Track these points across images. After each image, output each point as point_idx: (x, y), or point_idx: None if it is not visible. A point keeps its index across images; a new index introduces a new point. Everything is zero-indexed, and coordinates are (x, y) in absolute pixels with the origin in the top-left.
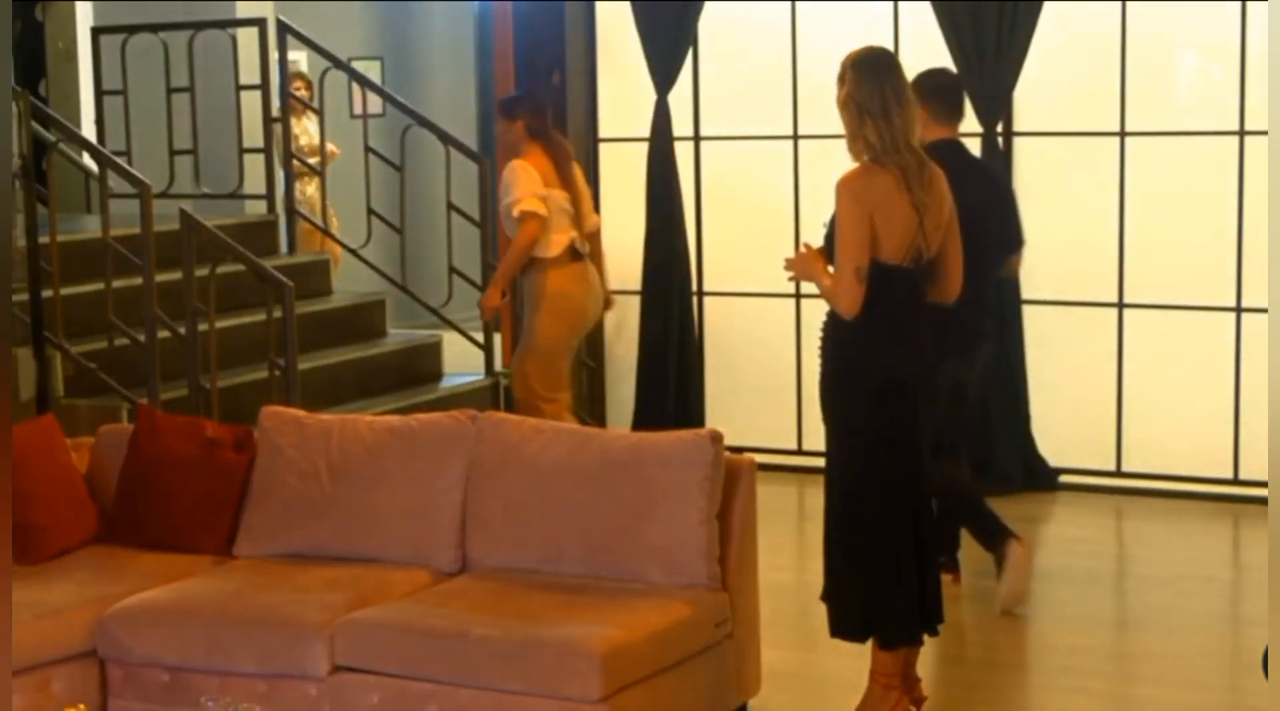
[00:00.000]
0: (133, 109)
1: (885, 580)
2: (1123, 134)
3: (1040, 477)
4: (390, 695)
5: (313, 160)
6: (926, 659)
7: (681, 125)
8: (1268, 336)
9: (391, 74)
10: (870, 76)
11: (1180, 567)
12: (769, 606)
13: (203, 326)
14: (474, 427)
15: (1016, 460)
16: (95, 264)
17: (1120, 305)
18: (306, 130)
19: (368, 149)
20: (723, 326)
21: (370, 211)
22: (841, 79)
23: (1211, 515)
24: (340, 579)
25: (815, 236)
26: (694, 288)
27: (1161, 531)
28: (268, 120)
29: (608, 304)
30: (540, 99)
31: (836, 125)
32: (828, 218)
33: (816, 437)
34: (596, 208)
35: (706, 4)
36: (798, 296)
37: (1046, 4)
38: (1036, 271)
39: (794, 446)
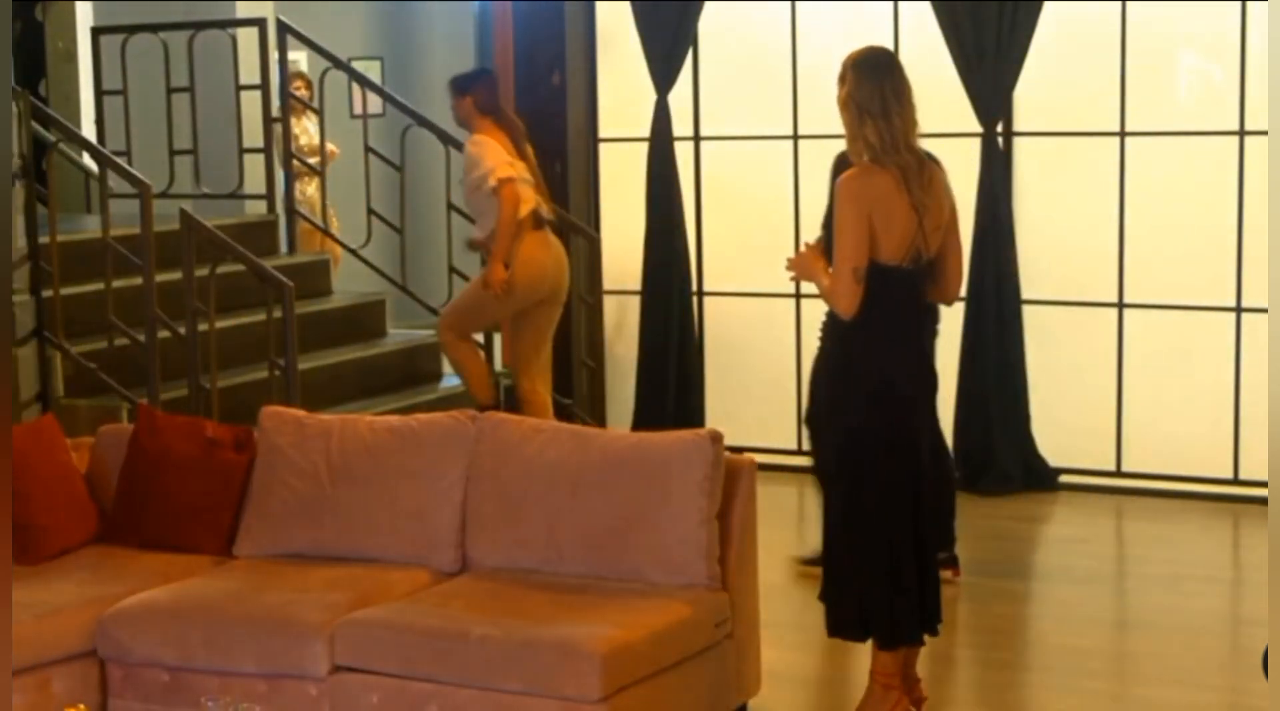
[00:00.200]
0: (133, 109)
1: (884, 580)
2: (1123, 134)
3: (1040, 477)
4: (390, 695)
5: (313, 160)
6: (926, 659)
7: (681, 125)
8: (1268, 336)
9: (391, 74)
10: (870, 76)
11: (1180, 567)
12: (769, 606)
13: (203, 326)
14: (474, 427)
15: (1016, 460)
16: (95, 264)
17: (1120, 305)
18: (306, 130)
19: (368, 149)
20: (723, 326)
21: (370, 211)
22: (842, 79)
23: (1211, 515)
24: (340, 579)
25: (815, 236)
26: (694, 288)
27: (1161, 531)
28: (268, 120)
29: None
30: (491, 76)
31: (836, 125)
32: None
33: None
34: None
35: (706, 4)
36: (798, 296)
37: (1046, 4)
38: (1036, 271)
39: (794, 446)
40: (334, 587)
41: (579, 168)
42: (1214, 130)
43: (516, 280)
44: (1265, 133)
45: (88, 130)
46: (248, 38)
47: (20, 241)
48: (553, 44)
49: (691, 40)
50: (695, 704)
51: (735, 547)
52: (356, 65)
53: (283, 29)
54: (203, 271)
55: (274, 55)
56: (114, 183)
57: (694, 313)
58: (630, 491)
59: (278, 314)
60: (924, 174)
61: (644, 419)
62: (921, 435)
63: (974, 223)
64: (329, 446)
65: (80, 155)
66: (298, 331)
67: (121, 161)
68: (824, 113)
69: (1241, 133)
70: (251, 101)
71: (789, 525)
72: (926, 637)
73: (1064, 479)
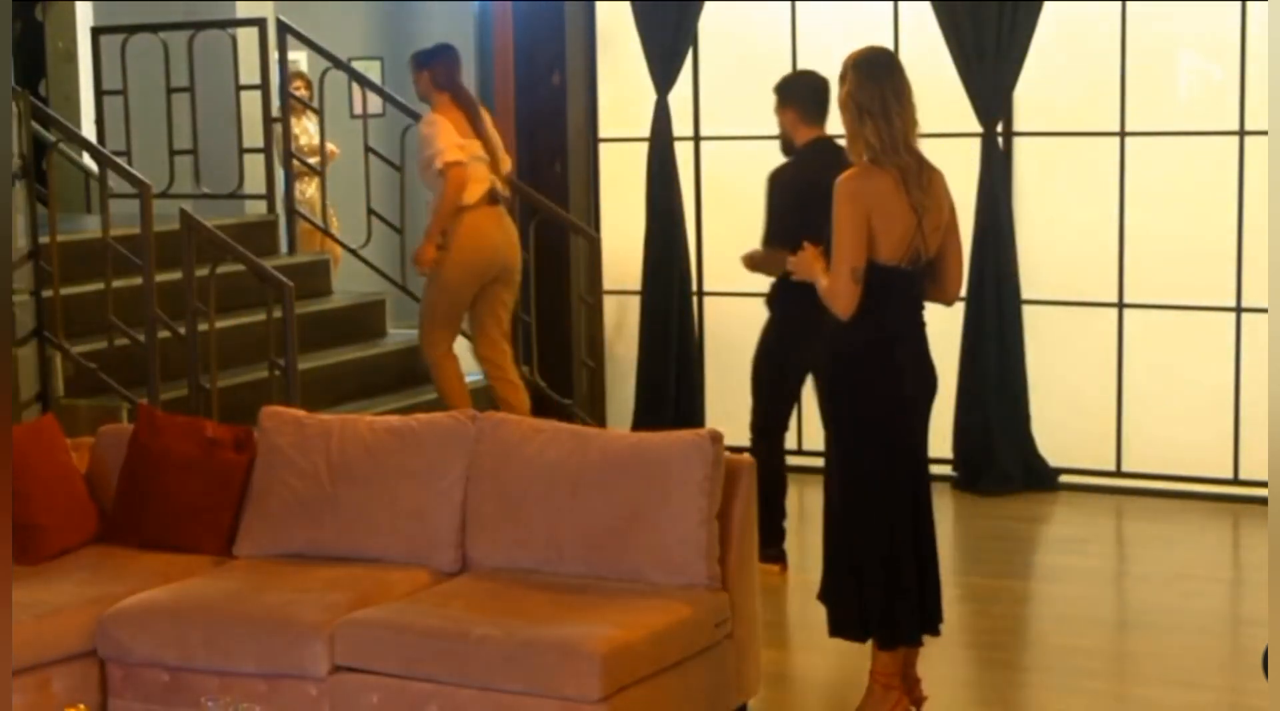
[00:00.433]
0: (133, 109)
1: (884, 580)
2: (1123, 134)
3: (1040, 477)
4: (390, 695)
5: (313, 160)
6: (926, 659)
7: (681, 125)
8: (1268, 336)
9: (391, 74)
10: (871, 77)
11: (1180, 567)
12: (769, 606)
13: (203, 326)
14: (474, 427)
15: (1016, 460)
16: (95, 264)
17: (1120, 305)
18: (306, 130)
19: (368, 149)
20: (723, 326)
21: (370, 211)
22: (843, 79)
23: (1211, 515)
24: (340, 579)
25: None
26: (694, 287)
27: (1161, 531)
28: (268, 120)
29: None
30: (451, 52)
31: (836, 125)
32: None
33: (816, 437)
34: (597, 208)
35: (706, 4)
36: None
37: (1046, 4)
38: (1036, 271)
39: (794, 446)
40: (334, 587)
41: (579, 168)
42: (1214, 130)
43: (469, 258)
44: (1265, 133)
45: (88, 130)
46: (248, 38)
47: (20, 241)
48: (553, 44)
49: (691, 40)
50: (695, 704)
51: (735, 547)
52: (356, 65)
53: (283, 29)
54: (203, 271)
55: (274, 55)
56: (114, 183)
57: (694, 313)
58: (630, 491)
59: (278, 314)
60: (923, 175)
61: (644, 419)
62: (921, 435)
63: (974, 223)
64: (329, 446)
65: (80, 155)
66: (298, 331)
67: (121, 161)
68: None
69: (1241, 133)
70: (251, 101)
71: (789, 525)
72: (927, 637)
73: (1064, 479)
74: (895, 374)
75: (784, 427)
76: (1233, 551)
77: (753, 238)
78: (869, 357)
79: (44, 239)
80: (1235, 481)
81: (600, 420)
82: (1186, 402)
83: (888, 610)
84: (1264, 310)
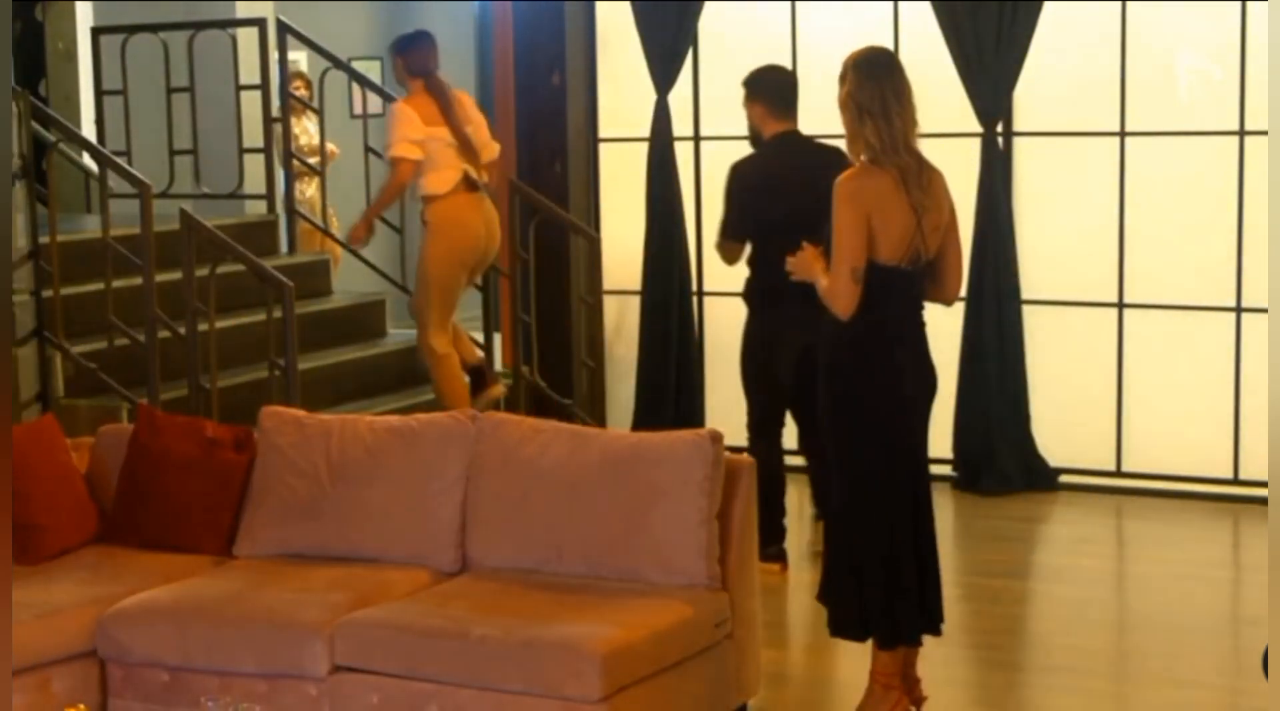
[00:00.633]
0: (133, 109)
1: (884, 580)
2: (1123, 134)
3: (1040, 477)
4: (390, 695)
5: (313, 160)
6: (926, 659)
7: (681, 125)
8: (1268, 336)
9: (391, 74)
10: (871, 77)
11: (1180, 567)
12: (769, 606)
13: (203, 326)
14: (474, 427)
15: (1016, 460)
16: (95, 264)
17: (1120, 305)
18: (306, 130)
19: (368, 149)
20: (723, 326)
21: None
22: (843, 79)
23: (1211, 515)
24: (340, 579)
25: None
26: (694, 288)
27: (1161, 531)
28: (268, 120)
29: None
30: (427, 39)
31: (836, 125)
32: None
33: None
34: (597, 208)
35: (706, 4)
36: None
37: (1046, 4)
38: (1036, 271)
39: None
40: (334, 587)
41: (579, 168)
42: (1214, 130)
43: (453, 246)
44: (1265, 133)
45: (88, 130)
46: (248, 38)
47: (21, 241)
48: (553, 44)
49: (691, 40)
50: (695, 704)
51: (735, 547)
52: (356, 65)
53: (283, 29)
54: (203, 271)
55: (274, 55)
56: (114, 183)
57: (694, 313)
58: (630, 491)
59: (278, 314)
60: (923, 175)
61: (644, 419)
62: (921, 435)
63: (974, 223)
64: (329, 446)
65: (80, 155)
66: (297, 331)
67: (121, 161)
68: (824, 113)
69: (1241, 133)
70: (251, 101)
71: (789, 525)
72: (927, 637)
73: (1064, 479)
74: (895, 374)
75: (780, 424)
76: (1233, 551)
77: None
78: (869, 358)
79: (44, 239)
80: (1235, 481)
81: (600, 420)
82: (1186, 403)
83: (888, 610)
84: (1264, 310)
